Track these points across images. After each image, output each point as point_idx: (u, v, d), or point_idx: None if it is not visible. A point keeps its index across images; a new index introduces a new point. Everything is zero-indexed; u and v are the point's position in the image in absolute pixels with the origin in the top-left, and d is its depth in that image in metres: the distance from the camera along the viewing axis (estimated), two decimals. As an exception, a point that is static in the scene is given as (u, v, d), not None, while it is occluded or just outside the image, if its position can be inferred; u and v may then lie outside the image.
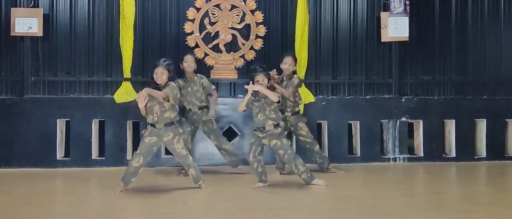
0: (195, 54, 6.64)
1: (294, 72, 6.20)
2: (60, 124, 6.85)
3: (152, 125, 5.07)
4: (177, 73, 5.74)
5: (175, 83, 5.84)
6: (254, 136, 5.42)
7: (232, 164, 6.36)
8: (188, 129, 6.13)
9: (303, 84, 6.78)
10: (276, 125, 5.30)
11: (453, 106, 7.41)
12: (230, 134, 7.01)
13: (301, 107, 6.60)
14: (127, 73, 6.86)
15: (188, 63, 6.05)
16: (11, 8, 6.74)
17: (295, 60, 6.27)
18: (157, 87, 5.03)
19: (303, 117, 6.34)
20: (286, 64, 6.08)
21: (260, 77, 5.27)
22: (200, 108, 6.13)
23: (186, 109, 6.16)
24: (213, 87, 6.39)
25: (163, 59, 5.17)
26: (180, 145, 5.15)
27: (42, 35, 6.78)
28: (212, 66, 7.12)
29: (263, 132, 5.31)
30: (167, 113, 5.06)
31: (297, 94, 6.20)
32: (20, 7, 6.78)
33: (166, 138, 5.08)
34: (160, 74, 5.03)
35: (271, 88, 5.38)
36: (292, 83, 6.02)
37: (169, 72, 5.07)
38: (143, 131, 5.23)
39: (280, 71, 6.08)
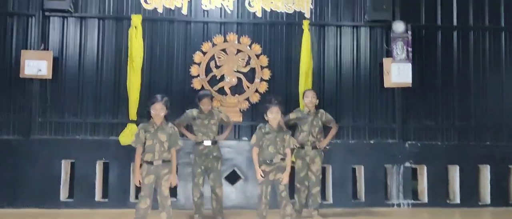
0: (211, 95, 6.46)
1: (316, 106, 6.27)
2: (65, 165, 6.88)
3: (150, 162, 5.10)
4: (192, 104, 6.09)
5: (189, 112, 6.10)
6: (263, 172, 5.34)
7: (213, 212, 6.16)
8: (198, 170, 6.01)
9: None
10: (283, 159, 5.30)
11: (456, 152, 7.41)
12: (233, 177, 7.01)
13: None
14: (133, 115, 6.93)
15: (205, 106, 6.07)
16: (22, 51, 6.89)
17: (316, 93, 6.34)
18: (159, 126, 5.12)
19: (321, 151, 6.31)
20: (308, 97, 6.14)
21: (275, 109, 5.28)
22: (213, 142, 6.12)
23: (197, 141, 6.11)
24: (232, 120, 6.46)
25: (161, 95, 5.26)
26: (167, 183, 5.15)
27: (51, 78, 6.90)
28: (217, 108, 7.18)
29: (270, 165, 5.27)
30: (166, 153, 5.12)
31: (318, 129, 6.21)
32: (30, 49, 6.94)
33: (162, 172, 5.10)
34: (160, 110, 5.09)
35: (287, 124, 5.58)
36: (330, 119, 6.24)
37: (167, 108, 5.16)
38: (140, 171, 5.21)
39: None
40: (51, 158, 6.79)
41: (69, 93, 7.08)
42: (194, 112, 6.13)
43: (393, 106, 7.47)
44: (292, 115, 6.29)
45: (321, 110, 6.31)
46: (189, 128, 6.34)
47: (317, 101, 6.30)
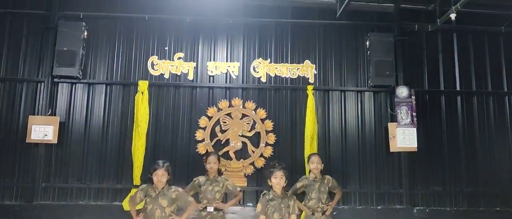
0: (218, 154, 6.30)
1: (321, 171, 6.08)
2: (67, 232, 6.77)
3: None
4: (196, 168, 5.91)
5: (196, 180, 5.88)
6: None
7: None
8: None
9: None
10: None
11: (466, 218, 7.23)
12: (238, 244, 6.86)
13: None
14: (137, 180, 6.90)
15: (211, 164, 5.90)
16: (29, 116, 6.98)
17: (321, 158, 6.16)
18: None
19: (330, 216, 6.15)
20: (314, 163, 5.97)
21: (280, 174, 5.17)
22: (216, 209, 5.97)
23: (201, 208, 5.95)
24: (239, 189, 6.24)
25: (163, 160, 5.20)
26: None
27: (56, 142, 6.94)
28: (222, 173, 7.10)
29: None
30: None
31: (326, 195, 6.10)
32: (38, 115, 7.02)
33: None
34: (161, 176, 5.01)
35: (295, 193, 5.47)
36: (335, 185, 6.01)
37: (169, 174, 5.07)
38: None
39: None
40: (53, 224, 6.70)
41: (74, 157, 7.09)
42: (200, 179, 5.96)
43: (399, 171, 7.39)
44: (299, 184, 6.09)
45: (328, 176, 6.14)
46: (196, 197, 6.22)
47: (323, 165, 6.17)
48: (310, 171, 6.14)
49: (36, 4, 7.46)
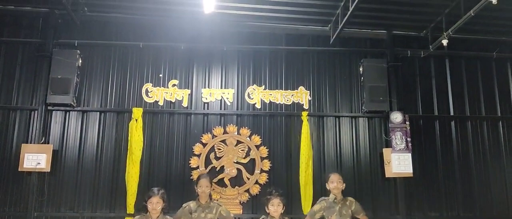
0: (210, 177, 5.92)
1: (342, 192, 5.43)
2: (58, 262, 6.65)
3: None
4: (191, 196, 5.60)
5: (186, 206, 5.57)
6: None
7: None
8: None
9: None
10: None
11: (463, 244, 7.19)
12: None
13: None
14: (130, 208, 6.82)
15: (203, 188, 5.42)
16: (22, 144, 6.92)
17: (342, 176, 5.48)
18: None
19: None
20: (334, 182, 5.34)
21: (276, 201, 5.08)
22: None
23: None
24: (232, 215, 5.91)
25: (157, 188, 5.15)
26: None
27: (49, 171, 6.86)
28: (217, 201, 7.05)
29: None
30: None
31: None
32: (31, 143, 6.96)
33: None
34: (156, 204, 4.96)
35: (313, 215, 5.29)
36: (360, 209, 5.38)
37: (164, 201, 5.02)
38: None
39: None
40: (45, 254, 6.57)
41: (67, 186, 7.01)
42: (191, 204, 5.56)
43: (395, 197, 7.32)
44: (316, 207, 5.47)
45: (350, 198, 5.46)
46: None
47: (344, 185, 5.42)
48: (330, 192, 5.42)
49: (31, 32, 7.50)
